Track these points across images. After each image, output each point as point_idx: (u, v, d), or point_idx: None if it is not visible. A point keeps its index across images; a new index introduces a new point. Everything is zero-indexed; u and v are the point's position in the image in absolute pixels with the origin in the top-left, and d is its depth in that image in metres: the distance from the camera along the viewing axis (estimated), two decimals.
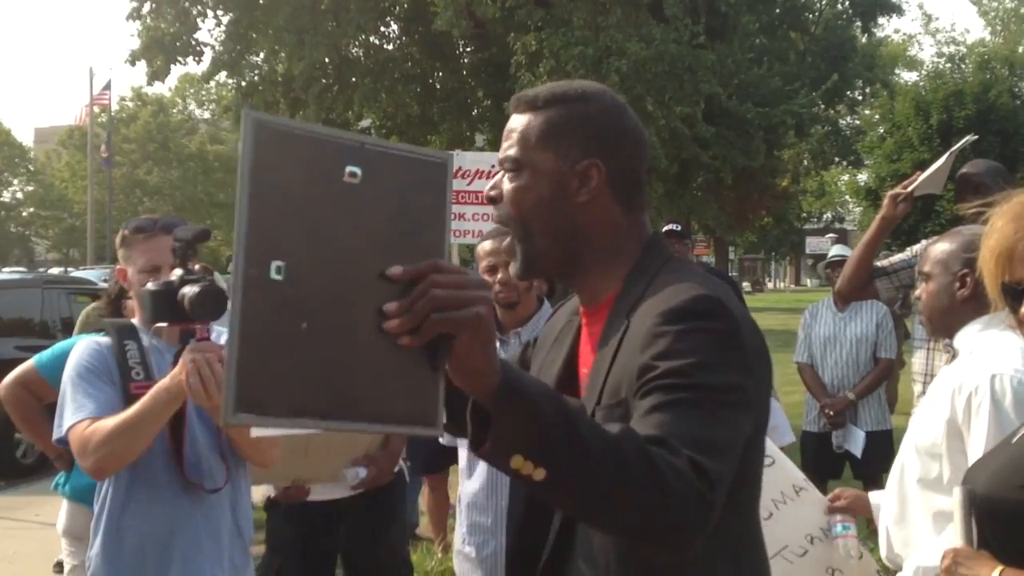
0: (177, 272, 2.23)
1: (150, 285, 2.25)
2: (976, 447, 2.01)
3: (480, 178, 5.69)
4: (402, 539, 4.04)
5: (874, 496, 2.55)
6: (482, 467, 3.05)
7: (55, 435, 2.42)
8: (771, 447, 2.76)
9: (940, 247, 2.34)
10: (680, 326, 1.29)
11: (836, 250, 6.15)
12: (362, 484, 3.60)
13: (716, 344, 1.29)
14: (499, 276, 3.09)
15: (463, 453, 3.14)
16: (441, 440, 3.30)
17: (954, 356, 2.34)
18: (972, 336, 2.22)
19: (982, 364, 2.10)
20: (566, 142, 1.44)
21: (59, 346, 3.59)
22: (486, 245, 3.19)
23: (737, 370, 1.30)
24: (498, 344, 2.98)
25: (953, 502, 1.74)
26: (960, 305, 2.24)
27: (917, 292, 2.42)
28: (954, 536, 1.74)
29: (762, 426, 1.42)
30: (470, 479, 3.09)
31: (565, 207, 1.45)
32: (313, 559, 3.71)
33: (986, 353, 2.14)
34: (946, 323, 2.31)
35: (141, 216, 2.64)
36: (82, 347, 2.47)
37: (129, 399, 2.33)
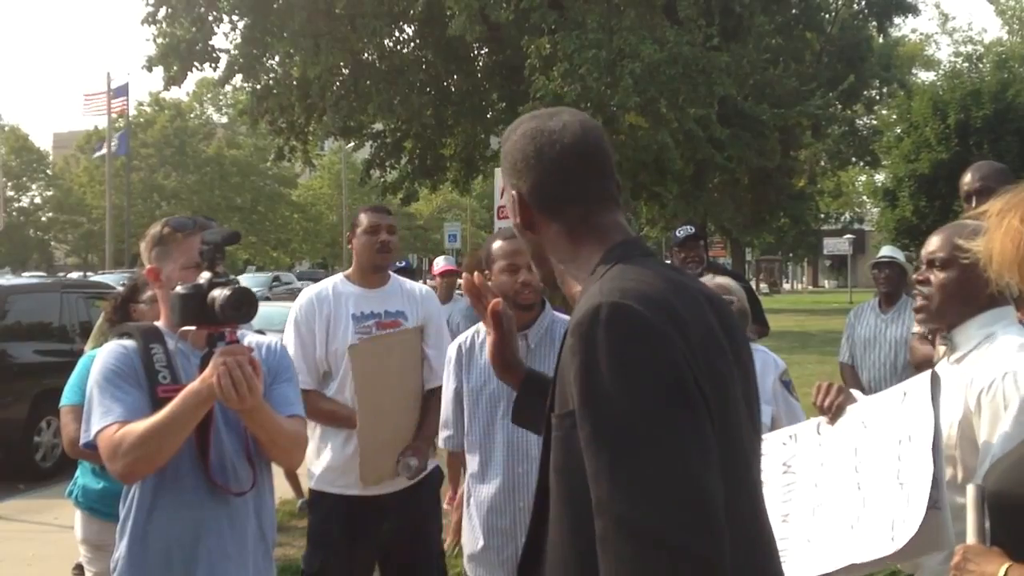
0: (205, 275, 2.21)
1: (179, 288, 2.22)
2: (989, 446, 2.00)
3: None
4: (438, 534, 3.94)
5: None
6: (499, 470, 3.01)
7: (82, 439, 2.38)
8: None
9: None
10: (583, 345, 1.34)
11: (885, 250, 6.05)
12: (415, 472, 3.56)
13: (620, 362, 1.31)
14: (520, 277, 2.99)
15: (473, 459, 3.09)
16: (441, 445, 3.28)
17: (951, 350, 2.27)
18: (973, 333, 2.18)
19: (993, 362, 2.08)
20: (505, 177, 1.66)
21: (75, 376, 3.57)
22: (504, 245, 3.06)
23: (649, 376, 1.31)
24: None
25: (966, 499, 1.75)
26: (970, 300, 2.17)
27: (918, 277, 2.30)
28: (967, 533, 1.75)
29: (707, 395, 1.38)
30: (484, 483, 3.04)
31: (521, 231, 1.64)
32: (356, 555, 3.67)
33: (994, 351, 2.11)
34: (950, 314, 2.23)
35: (176, 215, 2.63)
36: (108, 350, 2.44)
37: (156, 402, 2.31)
